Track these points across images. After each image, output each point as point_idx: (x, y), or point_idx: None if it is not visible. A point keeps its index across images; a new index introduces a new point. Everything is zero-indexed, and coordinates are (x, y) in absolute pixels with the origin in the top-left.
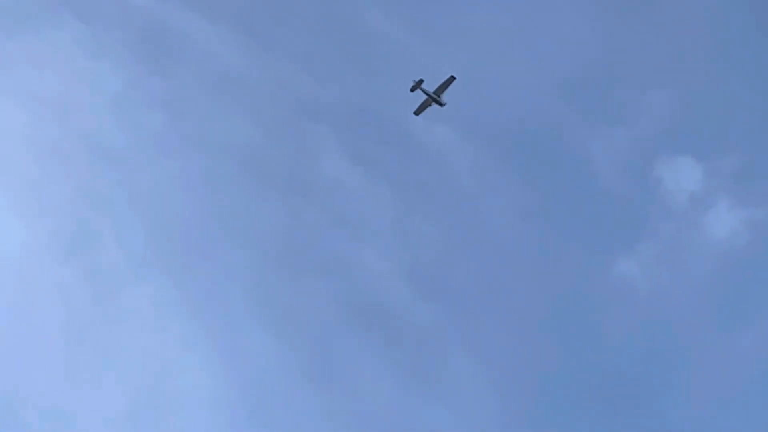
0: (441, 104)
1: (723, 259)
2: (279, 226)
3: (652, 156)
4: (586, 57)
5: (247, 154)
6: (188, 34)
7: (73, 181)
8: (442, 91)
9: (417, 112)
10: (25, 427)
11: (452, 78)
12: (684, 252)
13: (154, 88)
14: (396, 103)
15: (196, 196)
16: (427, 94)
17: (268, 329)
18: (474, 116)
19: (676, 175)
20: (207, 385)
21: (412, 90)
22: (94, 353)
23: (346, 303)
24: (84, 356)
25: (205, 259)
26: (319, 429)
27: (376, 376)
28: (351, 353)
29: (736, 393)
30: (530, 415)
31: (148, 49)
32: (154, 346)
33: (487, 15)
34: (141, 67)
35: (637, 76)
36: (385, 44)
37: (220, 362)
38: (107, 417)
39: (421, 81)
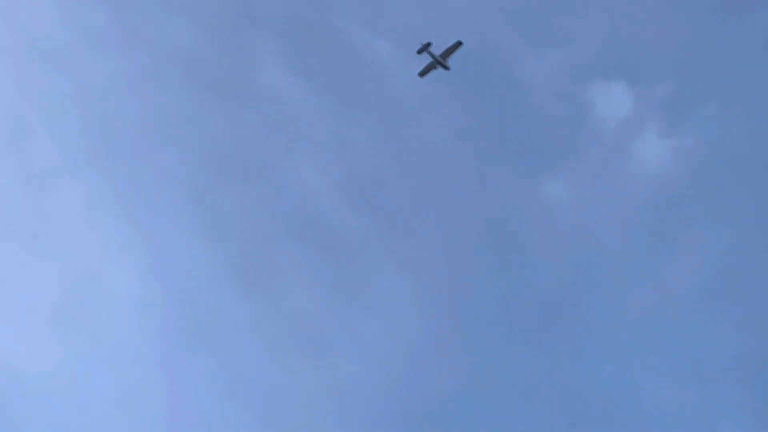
0: (446, 68)
1: (649, 186)
2: (217, 132)
3: (585, 80)
4: None
5: (189, 57)
6: None
7: (11, 75)
8: (448, 55)
9: (422, 74)
10: None
11: (459, 43)
12: (611, 177)
13: None
14: (342, 16)
15: (136, 96)
16: (433, 57)
17: (201, 234)
18: (415, 34)
19: (607, 100)
20: (137, 285)
21: (419, 52)
22: (24, 247)
23: (280, 213)
24: (13, 249)
25: (141, 160)
26: (247, 335)
27: (308, 286)
28: (283, 263)
29: (657, 317)
30: (456, 329)
31: None
32: (86, 244)
33: None
34: None
35: (574, 1)
36: None
37: (151, 263)
38: (34, 311)
39: (429, 44)
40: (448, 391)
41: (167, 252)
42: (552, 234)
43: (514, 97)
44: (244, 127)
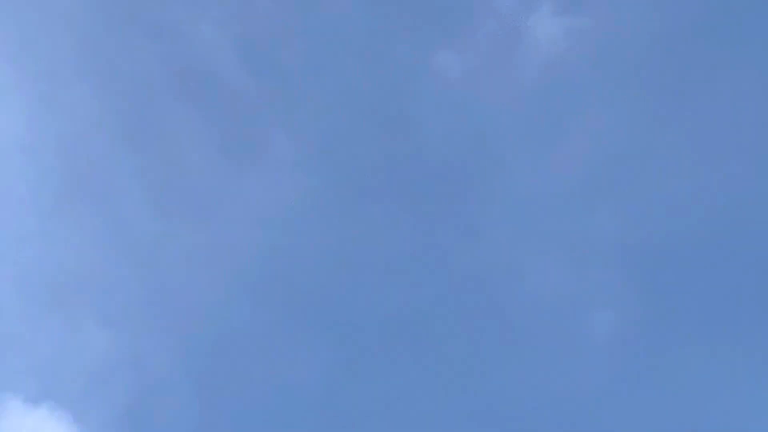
0: None
1: (543, 65)
2: None
3: None
4: None
5: None
6: None
7: None
8: None
9: None
10: None
11: None
12: (504, 53)
13: None
14: None
15: None
16: None
17: (89, 83)
18: None
19: None
20: (18, 130)
21: None
22: None
23: (172, 66)
24: None
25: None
26: (132, 189)
27: (196, 144)
28: (172, 118)
29: (542, 199)
30: (343, 200)
31: None
32: None
33: None
34: None
35: None
36: None
37: (35, 108)
38: None
39: None
40: (330, 260)
41: (52, 98)
42: (442, 108)
43: None
44: None
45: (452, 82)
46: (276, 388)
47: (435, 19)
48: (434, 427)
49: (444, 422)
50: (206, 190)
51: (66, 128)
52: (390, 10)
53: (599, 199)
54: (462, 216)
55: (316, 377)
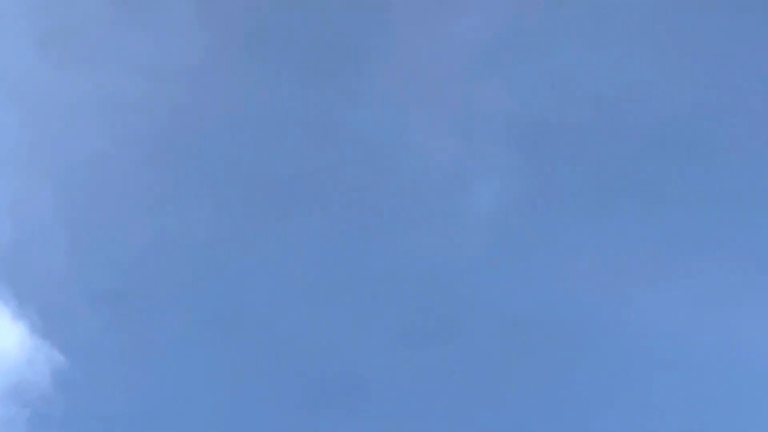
0: None
1: None
2: None
3: None
4: None
5: None
6: None
7: None
8: None
9: None
10: None
11: None
12: None
13: None
14: None
15: None
16: None
17: None
18: None
19: None
20: None
21: None
22: None
23: None
24: None
25: None
26: (17, 27)
27: (100, 12)
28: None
29: (432, 70)
30: (234, 53)
31: None
32: None
33: None
34: None
35: None
36: None
37: None
38: None
39: None
40: (218, 120)
41: None
42: None
43: None
44: None
45: None
46: (158, 243)
47: None
48: (312, 292)
49: (320, 286)
50: (97, 39)
51: None
52: None
53: (489, 71)
54: (349, 80)
55: (199, 237)
